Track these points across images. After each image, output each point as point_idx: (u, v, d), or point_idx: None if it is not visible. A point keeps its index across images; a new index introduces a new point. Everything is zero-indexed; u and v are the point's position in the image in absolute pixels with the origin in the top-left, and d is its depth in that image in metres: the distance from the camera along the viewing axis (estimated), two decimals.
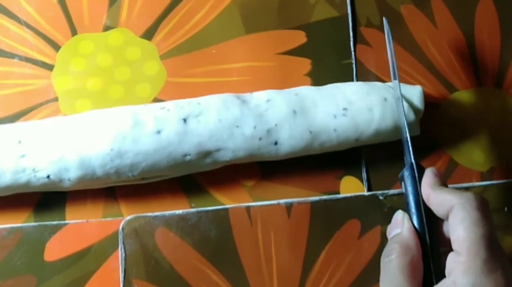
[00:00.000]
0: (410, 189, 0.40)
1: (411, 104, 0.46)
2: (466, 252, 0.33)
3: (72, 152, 0.43)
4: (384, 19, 0.47)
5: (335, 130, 0.45)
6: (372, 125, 0.45)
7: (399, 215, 0.39)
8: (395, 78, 0.45)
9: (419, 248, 0.37)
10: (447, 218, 0.36)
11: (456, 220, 0.35)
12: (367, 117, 0.45)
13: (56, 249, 0.45)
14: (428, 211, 0.38)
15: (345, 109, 0.45)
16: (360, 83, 0.47)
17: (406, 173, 0.40)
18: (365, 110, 0.45)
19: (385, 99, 0.45)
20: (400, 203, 0.47)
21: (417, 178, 0.39)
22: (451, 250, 0.36)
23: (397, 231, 0.38)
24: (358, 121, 0.45)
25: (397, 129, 0.45)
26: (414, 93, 0.47)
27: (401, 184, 0.41)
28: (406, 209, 0.40)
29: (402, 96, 0.44)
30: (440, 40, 0.51)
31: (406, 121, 0.43)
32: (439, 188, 0.38)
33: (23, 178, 0.43)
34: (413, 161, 0.40)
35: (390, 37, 0.46)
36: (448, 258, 0.35)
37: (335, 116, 0.45)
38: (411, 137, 0.42)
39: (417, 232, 0.38)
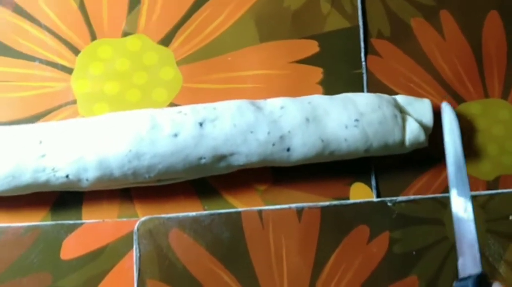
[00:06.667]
0: None
1: (420, 123, 0.47)
2: None
3: (91, 153, 0.44)
4: (444, 103, 0.44)
5: (346, 140, 0.46)
6: (382, 139, 0.46)
7: None
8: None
9: None
10: None
11: None
12: (377, 131, 0.46)
13: (72, 248, 0.46)
14: None
15: (357, 120, 0.46)
16: (371, 95, 0.48)
17: (471, 285, 0.37)
18: (376, 123, 0.46)
19: (396, 116, 0.46)
20: (408, 209, 0.48)
21: None
22: None
23: None
24: (369, 133, 0.46)
25: (406, 144, 0.46)
26: (423, 110, 0.48)
27: None
28: None
29: (410, 115, 0.45)
30: (448, 52, 0.53)
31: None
32: None
33: (42, 177, 0.44)
34: (482, 271, 0.37)
35: (456, 129, 0.42)
36: None
37: (346, 127, 0.46)
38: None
39: None
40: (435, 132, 0.49)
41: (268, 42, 0.52)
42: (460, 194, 0.41)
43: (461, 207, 0.41)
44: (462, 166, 0.41)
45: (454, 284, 0.38)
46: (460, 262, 0.39)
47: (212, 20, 0.52)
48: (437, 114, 0.49)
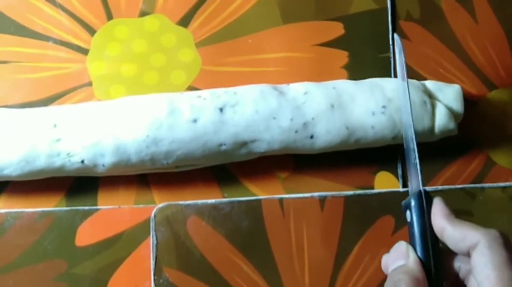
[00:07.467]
0: (416, 219, 0.37)
1: (450, 109, 0.45)
2: None
3: (108, 138, 0.43)
4: (396, 35, 0.44)
5: (372, 127, 0.44)
6: None
7: (402, 246, 0.37)
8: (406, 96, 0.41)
9: (426, 281, 0.35)
10: (465, 254, 0.34)
11: (484, 259, 0.32)
12: None
13: (87, 234, 0.45)
14: (434, 243, 0.36)
15: (384, 107, 0.44)
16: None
17: (413, 202, 0.37)
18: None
19: (425, 102, 0.44)
20: None
21: (425, 208, 0.36)
22: (455, 285, 0.35)
23: (401, 262, 0.36)
24: (397, 120, 0.44)
25: (435, 131, 0.45)
26: (454, 97, 0.46)
27: (404, 213, 0.38)
28: (410, 240, 0.37)
29: (440, 101, 0.44)
30: (481, 36, 0.50)
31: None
32: (456, 221, 0.35)
33: (57, 162, 0.43)
34: (422, 188, 0.37)
35: (403, 56, 0.43)
36: None
37: (373, 114, 0.44)
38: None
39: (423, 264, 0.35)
40: (465, 120, 0.47)
41: (291, 23, 0.50)
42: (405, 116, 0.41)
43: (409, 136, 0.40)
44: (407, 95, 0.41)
45: (402, 202, 0.38)
46: (409, 183, 0.40)
47: (233, 0, 0.50)
48: (468, 101, 0.47)
